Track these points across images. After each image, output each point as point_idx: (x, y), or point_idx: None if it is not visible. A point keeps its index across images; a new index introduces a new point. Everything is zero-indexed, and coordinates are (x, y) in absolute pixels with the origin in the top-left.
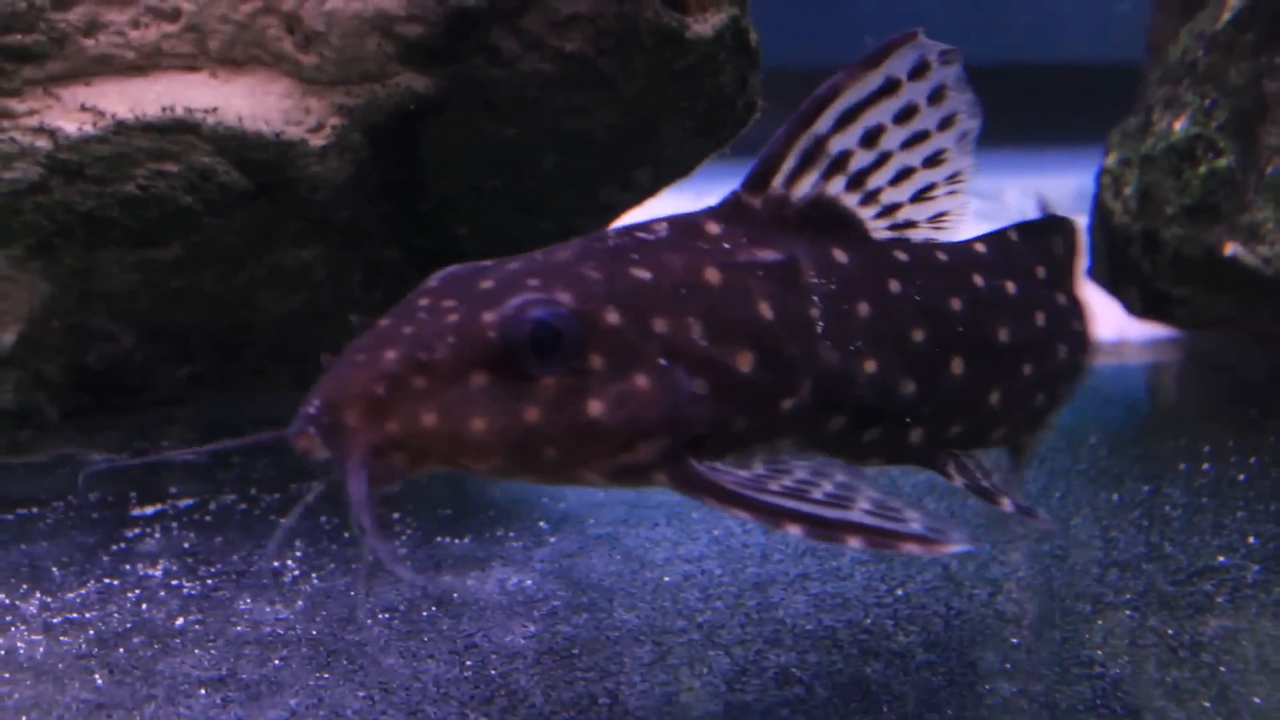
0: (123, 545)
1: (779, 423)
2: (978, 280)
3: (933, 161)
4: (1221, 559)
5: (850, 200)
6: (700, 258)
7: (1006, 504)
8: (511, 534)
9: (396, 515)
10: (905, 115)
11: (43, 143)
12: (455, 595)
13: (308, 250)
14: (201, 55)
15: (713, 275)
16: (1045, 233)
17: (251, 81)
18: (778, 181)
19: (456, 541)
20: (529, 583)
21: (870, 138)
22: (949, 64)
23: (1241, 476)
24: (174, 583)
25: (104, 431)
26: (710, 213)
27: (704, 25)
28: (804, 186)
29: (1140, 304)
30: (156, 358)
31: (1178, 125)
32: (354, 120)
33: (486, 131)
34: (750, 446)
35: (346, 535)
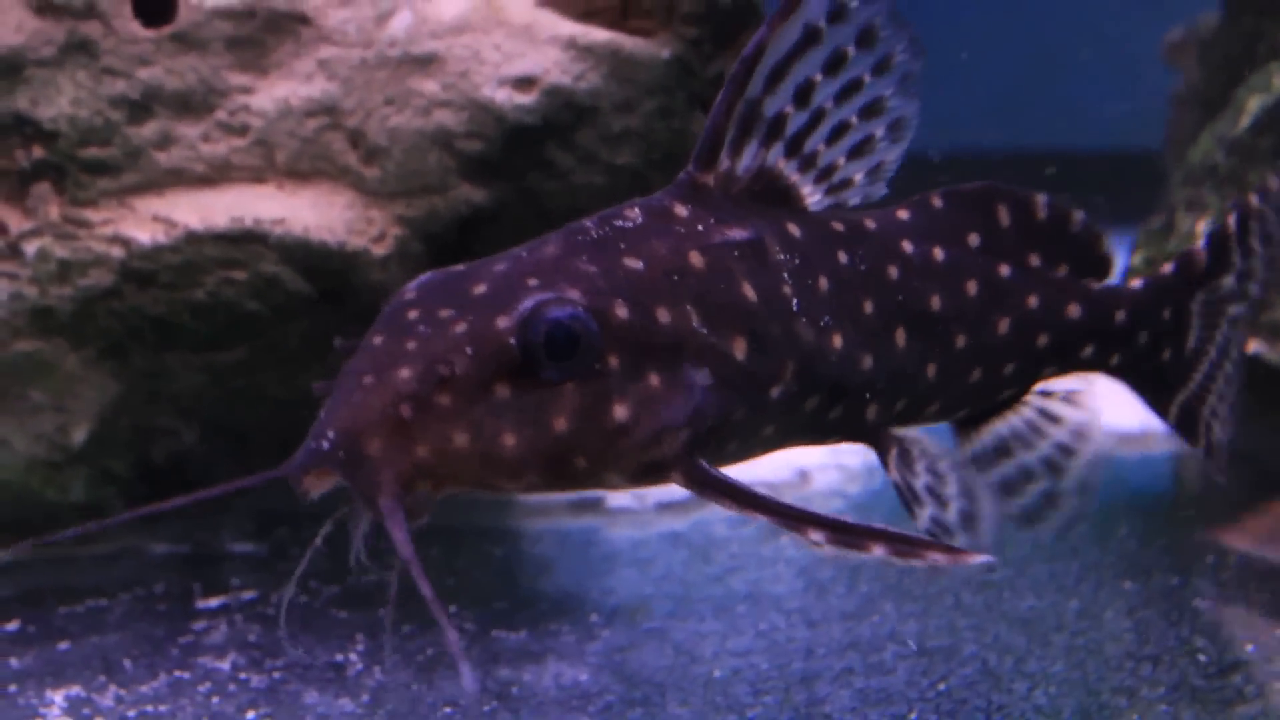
0: (190, 638)
1: (767, 410)
2: (907, 247)
3: (870, 111)
4: (1250, 648)
5: (789, 167)
6: (681, 241)
7: (923, 517)
8: (565, 628)
9: (452, 609)
10: (834, 64)
11: (117, 251)
12: (514, 690)
13: None
14: (269, 168)
15: (696, 259)
16: (981, 200)
17: (316, 193)
18: (723, 155)
19: (511, 635)
20: (584, 677)
21: (802, 95)
22: (873, 1)
23: (1266, 567)
24: (242, 676)
25: (166, 523)
26: (671, 195)
27: None
28: (746, 158)
29: None
30: (217, 453)
31: (1200, 226)
32: (414, 230)
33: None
34: (742, 438)
35: (406, 629)
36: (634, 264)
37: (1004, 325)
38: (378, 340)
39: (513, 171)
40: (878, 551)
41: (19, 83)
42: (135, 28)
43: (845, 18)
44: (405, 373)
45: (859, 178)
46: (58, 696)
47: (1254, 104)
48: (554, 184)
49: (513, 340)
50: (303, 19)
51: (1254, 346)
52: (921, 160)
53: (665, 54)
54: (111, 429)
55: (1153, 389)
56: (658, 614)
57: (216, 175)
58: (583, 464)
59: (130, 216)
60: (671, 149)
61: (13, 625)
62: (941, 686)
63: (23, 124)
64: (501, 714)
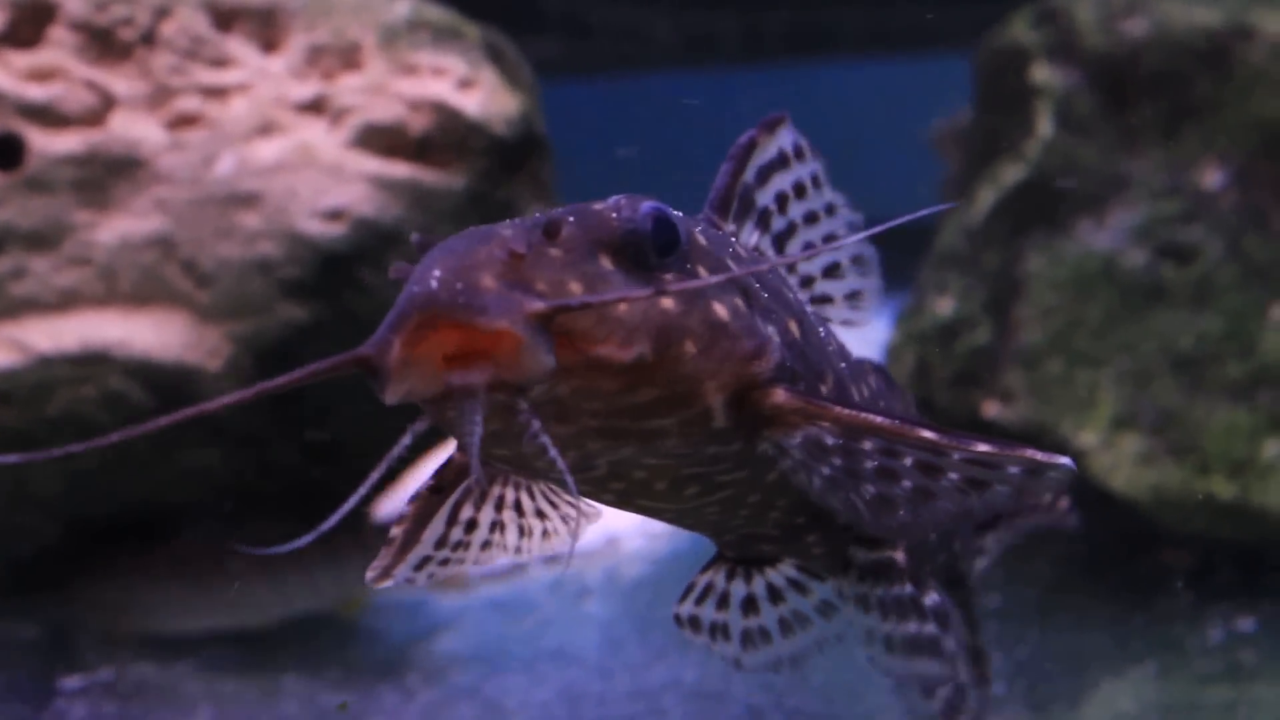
0: (54, 717)
1: None
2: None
3: (830, 240)
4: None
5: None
6: (727, 237)
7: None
8: (387, 689)
9: (290, 678)
10: (799, 191)
11: None
12: None
13: (208, 453)
14: (112, 294)
15: (742, 251)
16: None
17: (155, 316)
18: (731, 216)
19: (340, 699)
20: None
21: (781, 201)
22: (817, 159)
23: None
24: None
25: (29, 611)
26: (702, 220)
27: None
28: (744, 233)
29: None
30: (78, 547)
31: (945, 306)
32: (244, 346)
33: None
34: None
35: (249, 696)
36: (695, 226)
37: None
38: (453, 241)
39: (329, 292)
40: (983, 448)
41: None
42: None
43: (804, 159)
44: (509, 231)
45: (839, 299)
46: None
47: (987, 196)
48: (366, 301)
49: (614, 217)
50: (138, 163)
51: (989, 410)
52: None
53: (459, 185)
54: None
55: None
56: (471, 672)
57: (66, 302)
58: (692, 351)
59: None
60: None
61: None
62: None
63: None
64: None
